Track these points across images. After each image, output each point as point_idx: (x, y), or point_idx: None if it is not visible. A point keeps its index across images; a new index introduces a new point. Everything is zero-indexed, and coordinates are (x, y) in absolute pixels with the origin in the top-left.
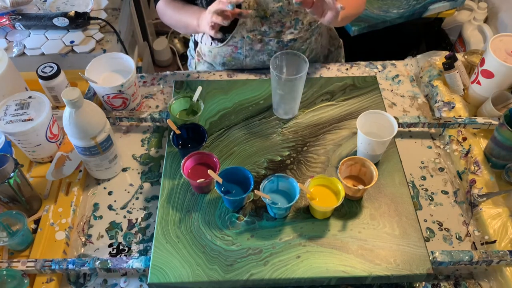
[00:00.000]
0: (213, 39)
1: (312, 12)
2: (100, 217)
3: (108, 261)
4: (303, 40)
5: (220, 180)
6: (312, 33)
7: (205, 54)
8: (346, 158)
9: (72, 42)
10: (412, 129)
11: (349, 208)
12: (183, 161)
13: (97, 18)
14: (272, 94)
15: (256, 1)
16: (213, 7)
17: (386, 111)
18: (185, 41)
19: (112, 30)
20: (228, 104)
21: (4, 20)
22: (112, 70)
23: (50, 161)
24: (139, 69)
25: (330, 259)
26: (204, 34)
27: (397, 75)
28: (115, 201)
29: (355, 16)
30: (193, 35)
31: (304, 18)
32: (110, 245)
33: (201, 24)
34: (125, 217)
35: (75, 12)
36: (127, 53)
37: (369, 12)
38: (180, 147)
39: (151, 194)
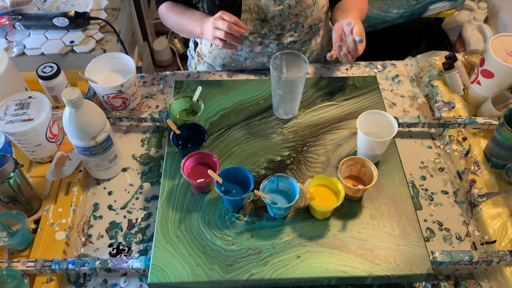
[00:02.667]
0: None
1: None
2: (100, 217)
3: (108, 261)
4: (303, 42)
5: (220, 180)
6: (312, 35)
7: (205, 55)
8: (346, 158)
9: (72, 42)
10: (412, 129)
11: (349, 208)
12: (183, 161)
13: (97, 18)
14: (272, 94)
15: (257, 4)
16: (218, 23)
17: (386, 111)
18: (185, 41)
19: (112, 30)
20: (228, 104)
21: (4, 20)
22: (112, 70)
23: (50, 161)
24: (139, 69)
25: (330, 259)
26: None
27: (397, 75)
28: (115, 201)
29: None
30: None
31: (305, 21)
32: (110, 245)
33: (204, 32)
34: (125, 217)
35: (75, 12)
36: (127, 53)
37: (369, 12)
38: (180, 147)
39: (151, 194)
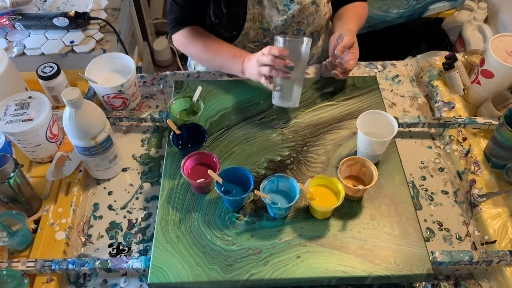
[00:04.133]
0: None
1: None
2: (100, 217)
3: (108, 261)
4: None
5: (220, 180)
6: (314, 40)
7: None
8: (346, 158)
9: (72, 42)
10: (412, 129)
11: (349, 208)
12: (183, 161)
13: (97, 18)
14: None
15: (261, 13)
16: (263, 58)
17: (386, 111)
18: None
19: (112, 30)
20: (228, 104)
21: (4, 20)
22: (112, 70)
23: (50, 161)
24: (139, 69)
25: (330, 259)
26: None
27: (397, 75)
28: (115, 201)
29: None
30: None
31: (306, 28)
32: (110, 245)
33: (247, 71)
34: (125, 217)
35: (75, 12)
36: (127, 53)
37: (369, 12)
38: (180, 147)
39: (151, 194)
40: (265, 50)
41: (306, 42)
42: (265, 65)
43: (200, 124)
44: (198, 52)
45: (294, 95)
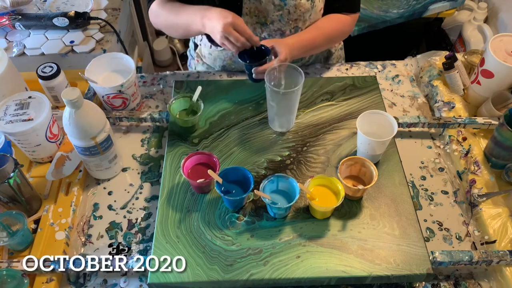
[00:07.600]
0: (212, 41)
1: None
2: (100, 217)
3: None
4: None
5: (220, 180)
6: None
7: (205, 56)
8: (346, 158)
9: (72, 42)
10: (412, 129)
11: (349, 208)
12: (183, 161)
13: (97, 18)
14: (267, 107)
15: (257, 7)
16: (230, 36)
17: (386, 111)
18: (185, 41)
19: (112, 30)
20: (228, 104)
21: (4, 20)
22: (112, 70)
23: (50, 161)
24: (139, 69)
25: (330, 259)
26: (203, 36)
27: (397, 75)
28: (115, 201)
29: (334, 43)
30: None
31: (303, 25)
32: (110, 245)
33: (207, 29)
34: (125, 217)
35: (75, 12)
36: (127, 53)
37: (369, 12)
38: (248, 61)
39: (151, 194)
40: (230, 21)
41: (301, 72)
42: (229, 40)
43: (263, 45)
44: (165, 17)
45: (289, 122)
